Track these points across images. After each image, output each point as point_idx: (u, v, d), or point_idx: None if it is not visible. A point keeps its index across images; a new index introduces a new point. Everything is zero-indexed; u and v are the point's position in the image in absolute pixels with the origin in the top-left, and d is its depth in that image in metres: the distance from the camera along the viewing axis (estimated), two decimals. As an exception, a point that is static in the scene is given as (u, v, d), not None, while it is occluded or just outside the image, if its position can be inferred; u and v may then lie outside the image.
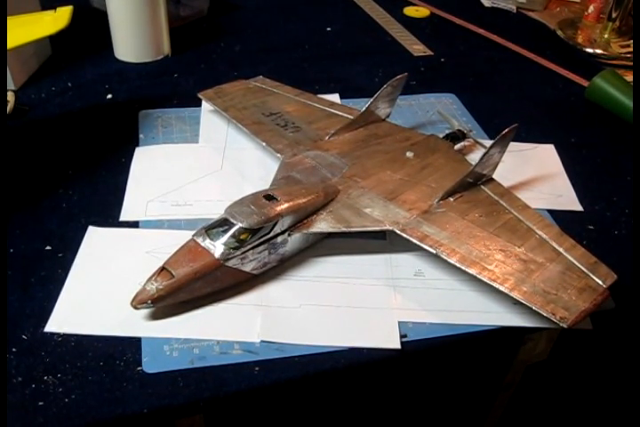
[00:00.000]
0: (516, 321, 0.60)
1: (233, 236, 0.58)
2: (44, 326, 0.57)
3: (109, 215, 0.70)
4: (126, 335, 0.57)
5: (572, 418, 0.97)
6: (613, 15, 1.12)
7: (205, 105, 0.87)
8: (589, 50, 1.11)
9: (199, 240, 0.59)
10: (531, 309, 0.57)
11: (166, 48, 1.00)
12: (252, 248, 0.59)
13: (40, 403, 0.52)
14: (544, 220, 0.66)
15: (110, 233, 0.67)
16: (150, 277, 0.57)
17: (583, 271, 0.60)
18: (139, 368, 0.55)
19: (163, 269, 0.57)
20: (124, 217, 0.69)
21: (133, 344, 0.56)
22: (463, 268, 0.59)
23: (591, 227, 0.72)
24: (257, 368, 0.55)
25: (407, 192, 0.67)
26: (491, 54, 1.09)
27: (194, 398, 0.53)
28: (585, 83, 0.97)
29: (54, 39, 0.96)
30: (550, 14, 1.26)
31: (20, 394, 0.52)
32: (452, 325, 0.60)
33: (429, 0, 1.25)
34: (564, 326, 0.55)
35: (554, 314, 0.56)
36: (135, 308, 0.56)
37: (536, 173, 0.79)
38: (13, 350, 0.56)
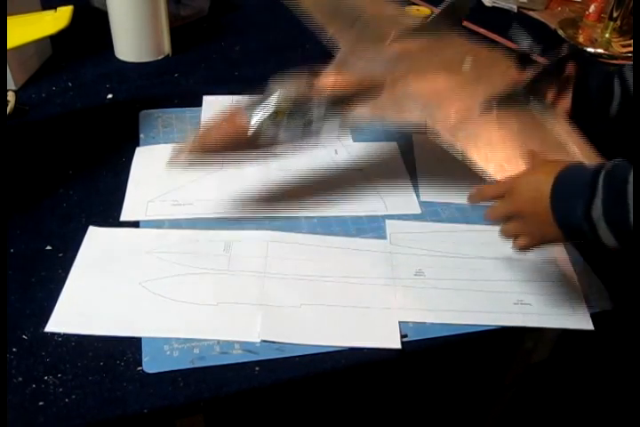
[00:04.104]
0: (515, 321, 0.60)
1: (271, 107, 0.60)
2: (44, 326, 0.57)
3: (110, 215, 0.70)
4: (126, 335, 0.57)
5: (573, 417, 0.97)
6: (614, 15, 1.12)
7: (206, 105, 0.87)
8: (590, 49, 1.11)
9: (238, 110, 0.61)
10: (531, 309, 0.57)
11: (167, 48, 1.00)
12: (287, 122, 0.61)
13: (40, 403, 0.52)
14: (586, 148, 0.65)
15: (111, 233, 0.67)
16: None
17: None
18: (139, 368, 0.55)
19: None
20: (124, 217, 0.69)
21: (133, 344, 0.57)
22: (483, 167, 0.60)
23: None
24: (257, 368, 0.55)
25: (452, 99, 0.67)
26: (491, 54, 1.09)
27: (194, 398, 0.53)
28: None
29: (55, 39, 0.96)
30: (551, 14, 1.26)
31: (21, 394, 0.52)
32: (452, 325, 0.60)
33: (430, -1, 1.25)
34: None
35: None
36: (171, 166, 0.62)
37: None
38: (14, 350, 0.56)
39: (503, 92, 0.66)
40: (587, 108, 0.71)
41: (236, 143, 0.61)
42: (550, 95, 0.70)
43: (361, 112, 0.64)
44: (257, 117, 0.60)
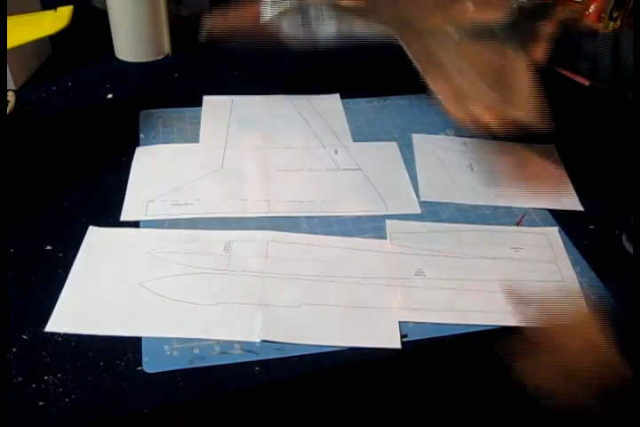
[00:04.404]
0: (515, 321, 0.60)
1: (280, 4, 0.71)
2: (44, 326, 0.57)
3: (110, 215, 0.70)
4: (126, 335, 0.57)
5: (573, 417, 0.97)
6: (614, 15, 1.12)
7: (206, 105, 0.87)
8: (590, 49, 1.11)
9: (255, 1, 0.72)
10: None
11: (167, 48, 1.00)
12: (291, 18, 0.71)
13: (40, 403, 0.52)
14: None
15: (111, 233, 0.67)
16: None
17: None
18: (139, 368, 0.55)
19: None
20: (124, 217, 0.69)
21: (134, 344, 0.57)
22: (436, 90, 0.65)
23: (592, 227, 0.72)
24: (257, 368, 0.55)
25: (433, 23, 0.71)
26: (491, 54, 1.08)
27: (194, 398, 0.53)
28: (586, 82, 0.97)
29: (55, 39, 0.96)
30: (551, 14, 1.25)
31: (21, 394, 0.52)
32: (452, 325, 0.60)
33: None
34: None
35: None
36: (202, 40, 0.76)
37: (536, 173, 0.79)
38: (14, 350, 0.56)
39: (479, 25, 0.68)
40: (566, 62, 0.72)
41: (250, 27, 0.74)
42: (529, 40, 0.70)
43: (354, 21, 0.73)
44: (269, 10, 0.71)
